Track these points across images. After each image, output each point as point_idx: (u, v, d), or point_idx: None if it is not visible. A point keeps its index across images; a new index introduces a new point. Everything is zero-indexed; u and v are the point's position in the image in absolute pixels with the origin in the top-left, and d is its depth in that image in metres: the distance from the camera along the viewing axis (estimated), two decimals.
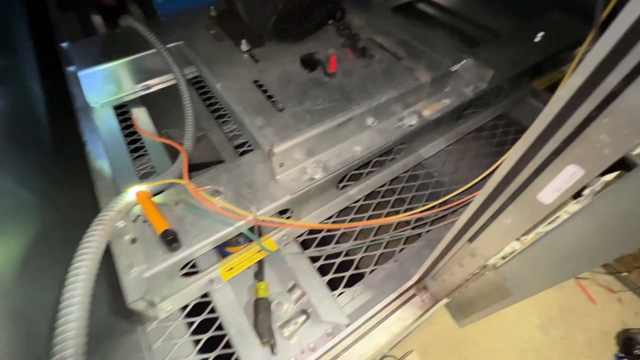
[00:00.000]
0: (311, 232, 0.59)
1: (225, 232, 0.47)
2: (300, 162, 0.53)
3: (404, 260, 0.58)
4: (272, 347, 0.50)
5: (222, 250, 0.55)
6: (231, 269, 0.52)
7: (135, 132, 0.72)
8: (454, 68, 0.63)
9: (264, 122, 0.51)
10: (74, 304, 0.35)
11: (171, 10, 0.80)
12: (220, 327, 0.50)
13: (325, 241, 0.60)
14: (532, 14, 0.80)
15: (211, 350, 0.48)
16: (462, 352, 1.37)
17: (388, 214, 0.63)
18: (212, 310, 0.51)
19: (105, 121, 0.71)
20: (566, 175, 0.25)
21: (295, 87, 0.57)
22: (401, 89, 0.57)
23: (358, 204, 0.64)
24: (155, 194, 0.49)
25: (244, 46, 0.63)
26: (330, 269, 0.56)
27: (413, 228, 0.61)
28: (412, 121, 0.59)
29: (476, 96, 0.65)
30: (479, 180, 0.59)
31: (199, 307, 0.52)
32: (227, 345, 0.48)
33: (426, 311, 0.54)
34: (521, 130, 0.78)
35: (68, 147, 0.59)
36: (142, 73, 0.76)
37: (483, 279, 0.42)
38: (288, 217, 0.55)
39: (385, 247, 0.60)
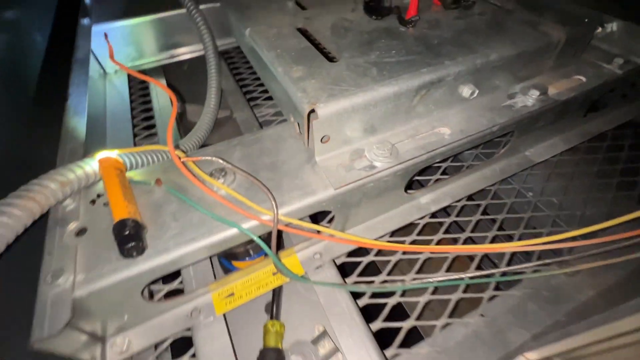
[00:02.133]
0: (356, 252, 0.39)
1: (224, 236, 0.28)
2: (355, 141, 0.34)
3: (496, 316, 0.35)
4: None
5: (225, 263, 0.36)
6: (231, 295, 0.33)
7: (147, 109, 0.58)
8: (601, 30, 0.42)
9: (306, 72, 0.33)
10: None
11: None
12: None
13: (375, 269, 0.39)
14: None
15: None
16: None
17: (468, 241, 0.42)
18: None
19: (117, 87, 0.59)
20: None
21: (355, 37, 0.39)
22: (521, 45, 0.36)
23: (424, 221, 0.43)
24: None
25: None
26: (379, 313, 0.35)
27: (509, 265, 0.39)
28: (529, 100, 0.38)
29: (626, 75, 0.42)
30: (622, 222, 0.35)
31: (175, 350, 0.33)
32: None
33: None
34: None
35: (52, 101, 0.46)
36: (167, 37, 0.64)
37: None
38: (327, 224, 0.36)
39: (465, 291, 0.38)
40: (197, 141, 0.41)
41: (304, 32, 0.40)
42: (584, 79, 0.41)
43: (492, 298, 0.38)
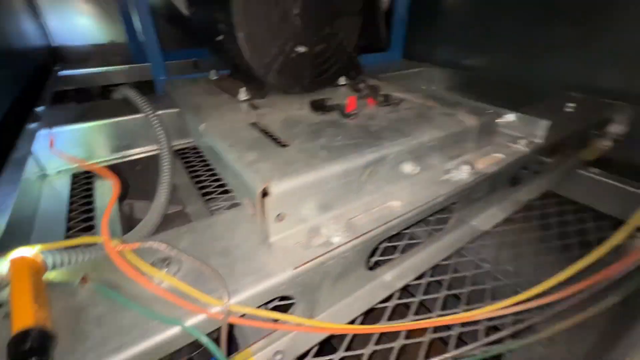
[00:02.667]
0: (324, 349, 0.34)
1: (161, 339, 0.23)
2: (310, 218, 0.33)
3: None
4: None
5: None
6: None
7: (89, 210, 0.55)
8: (501, 119, 0.51)
9: (259, 156, 0.34)
10: None
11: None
12: None
13: None
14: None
15: None
16: None
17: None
18: None
19: (55, 189, 0.55)
20: None
21: (304, 127, 0.43)
22: (445, 130, 0.43)
23: (392, 304, 0.40)
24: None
25: (243, 95, 0.53)
26: None
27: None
28: (463, 174, 0.43)
29: (532, 151, 0.50)
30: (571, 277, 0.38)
31: None
32: None
33: None
34: (580, 210, 0.61)
35: None
36: (121, 139, 0.65)
37: None
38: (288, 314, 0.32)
39: None
40: (141, 235, 0.38)
41: (256, 126, 0.43)
42: (502, 155, 0.48)
43: None
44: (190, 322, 0.24)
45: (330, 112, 0.47)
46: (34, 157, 0.53)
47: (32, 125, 0.59)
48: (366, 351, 0.35)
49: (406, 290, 0.44)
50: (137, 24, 0.77)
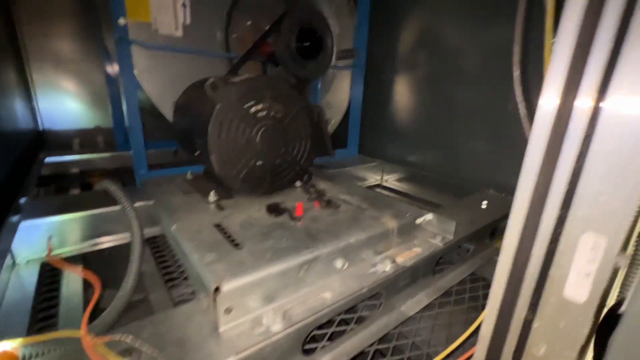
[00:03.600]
0: None
1: None
2: (254, 310, 0.41)
3: None
4: None
5: None
6: None
7: (53, 297, 0.59)
8: (420, 220, 0.65)
9: (216, 258, 0.44)
10: None
11: (150, 177, 0.86)
12: None
13: None
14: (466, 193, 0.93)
15: None
16: None
17: None
18: None
19: (23, 279, 0.59)
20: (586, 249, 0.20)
21: (258, 230, 0.53)
22: (369, 232, 0.55)
23: None
24: None
25: (212, 197, 0.64)
26: None
27: None
28: (386, 267, 0.53)
29: (446, 246, 0.63)
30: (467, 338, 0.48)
31: None
32: None
33: None
34: (487, 286, 0.72)
35: None
36: (94, 229, 0.71)
37: None
38: None
39: None
40: (107, 324, 0.43)
41: (219, 227, 0.53)
42: (420, 250, 0.60)
43: None
44: None
45: (282, 214, 0.59)
46: (9, 250, 0.59)
47: (14, 218, 0.66)
48: None
49: None
50: (125, 114, 0.89)
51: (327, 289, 0.47)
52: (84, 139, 1.37)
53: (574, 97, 0.20)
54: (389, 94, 1.25)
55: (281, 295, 0.44)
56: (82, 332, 0.33)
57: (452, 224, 0.65)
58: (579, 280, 0.21)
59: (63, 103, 1.34)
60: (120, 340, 0.34)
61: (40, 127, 1.31)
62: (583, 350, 0.22)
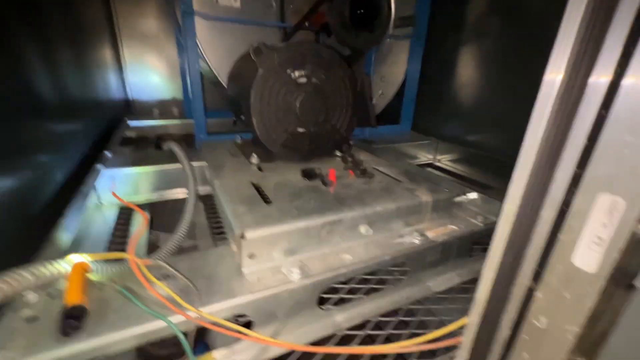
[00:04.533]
0: None
1: (150, 328, 0.35)
2: (275, 260, 0.45)
3: None
4: None
5: None
6: None
7: (124, 235, 0.70)
8: (460, 198, 0.61)
9: (247, 210, 0.48)
10: None
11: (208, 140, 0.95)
12: None
13: None
14: None
15: None
16: None
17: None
18: None
19: (105, 217, 0.72)
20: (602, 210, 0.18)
21: (290, 190, 0.56)
22: (399, 202, 0.54)
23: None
24: None
25: (254, 159, 0.68)
26: None
27: None
28: (415, 240, 0.52)
29: (486, 227, 0.59)
30: None
31: None
32: None
33: None
34: None
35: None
36: (160, 182, 0.82)
37: None
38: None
39: None
40: (157, 258, 0.51)
41: (255, 186, 0.57)
42: (456, 228, 0.57)
43: None
44: (173, 319, 0.36)
45: (315, 178, 0.60)
46: (95, 191, 0.71)
47: (99, 165, 0.79)
48: None
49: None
50: (188, 84, 0.99)
51: (348, 251, 0.48)
52: (162, 108, 1.55)
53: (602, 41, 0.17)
54: (451, 67, 1.15)
55: (302, 251, 0.46)
56: (130, 254, 0.39)
57: (497, 204, 0.59)
58: (591, 247, 0.19)
59: (147, 76, 1.52)
60: (159, 265, 0.40)
61: (130, 97, 1.51)
62: (587, 325, 0.19)
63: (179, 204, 0.81)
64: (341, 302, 0.52)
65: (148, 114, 1.51)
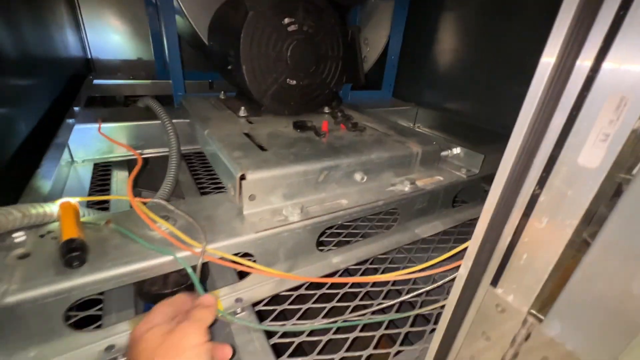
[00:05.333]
0: (272, 301, 0.44)
1: (155, 262, 0.34)
2: (275, 202, 0.45)
3: None
4: None
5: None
6: None
7: (104, 191, 0.66)
8: (446, 152, 0.64)
9: (243, 154, 0.47)
10: None
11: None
12: None
13: (290, 316, 0.43)
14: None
15: None
16: None
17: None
18: None
19: (80, 174, 0.67)
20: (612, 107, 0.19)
21: (283, 140, 0.55)
22: (391, 152, 0.55)
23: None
24: None
25: (242, 112, 0.66)
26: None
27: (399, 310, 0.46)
28: (405, 187, 0.54)
29: (469, 179, 0.62)
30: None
31: None
32: None
33: None
34: None
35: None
36: (137, 139, 0.77)
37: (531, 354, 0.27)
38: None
39: (375, 347, 0.43)
40: (159, 197, 0.49)
41: (247, 135, 0.56)
42: (442, 178, 0.60)
43: (397, 354, 0.43)
44: (177, 254, 0.35)
45: (307, 131, 0.60)
46: (67, 147, 0.66)
47: (70, 121, 0.73)
48: (304, 306, 0.44)
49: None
50: (164, 44, 0.93)
51: (344, 197, 0.50)
52: (127, 68, 1.45)
53: None
54: (433, 33, 1.15)
55: (300, 195, 0.47)
56: (128, 194, 0.38)
57: (480, 157, 0.63)
58: (596, 144, 0.21)
59: (108, 35, 1.41)
60: (159, 203, 0.39)
61: (89, 56, 1.39)
62: (585, 219, 0.22)
63: (159, 160, 0.78)
64: (337, 245, 0.54)
65: (111, 73, 1.40)
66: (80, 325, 0.36)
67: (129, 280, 0.33)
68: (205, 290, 0.41)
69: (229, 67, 0.64)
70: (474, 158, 0.65)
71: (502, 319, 0.27)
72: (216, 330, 0.38)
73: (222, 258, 0.37)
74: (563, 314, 0.24)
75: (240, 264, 0.38)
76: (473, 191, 0.74)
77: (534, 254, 0.25)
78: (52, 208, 0.37)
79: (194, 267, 0.35)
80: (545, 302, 0.25)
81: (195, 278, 0.34)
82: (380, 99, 1.28)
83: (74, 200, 0.38)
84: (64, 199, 0.38)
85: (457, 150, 0.67)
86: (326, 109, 0.74)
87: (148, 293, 0.39)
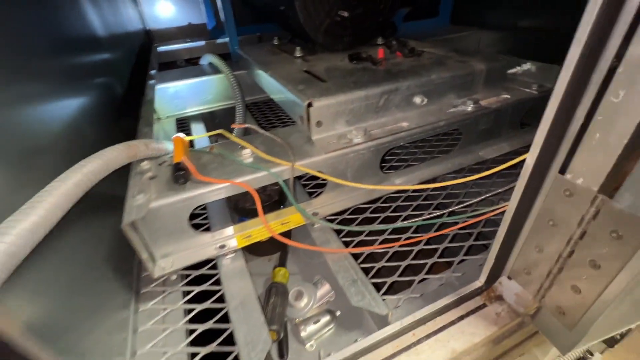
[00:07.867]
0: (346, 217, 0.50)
1: (250, 177, 0.41)
2: (340, 128, 0.49)
3: (465, 272, 0.44)
4: (282, 347, 0.37)
5: (244, 220, 0.48)
6: (248, 236, 0.44)
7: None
8: (514, 70, 0.60)
9: (305, 87, 0.50)
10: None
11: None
12: (221, 300, 0.39)
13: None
14: None
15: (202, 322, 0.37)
16: None
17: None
18: (217, 283, 0.41)
19: (166, 129, 0.78)
20: None
21: (341, 72, 0.57)
22: (453, 72, 0.54)
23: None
24: None
25: (298, 52, 0.68)
26: (369, 271, 0.44)
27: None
28: (468, 107, 0.53)
29: (541, 95, 0.58)
30: None
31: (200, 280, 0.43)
32: (224, 319, 0.37)
33: (506, 331, 0.37)
34: None
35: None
36: (206, 94, 0.85)
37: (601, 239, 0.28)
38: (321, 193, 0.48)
39: (440, 256, 0.47)
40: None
41: (306, 71, 0.59)
42: (509, 96, 0.57)
43: (461, 262, 0.47)
44: (271, 170, 0.42)
45: (364, 61, 0.61)
46: (158, 111, 0.76)
47: (151, 82, 0.83)
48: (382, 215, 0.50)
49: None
50: (219, 5, 0.97)
51: (405, 119, 0.51)
52: (180, 34, 1.56)
53: None
54: None
55: (363, 120, 0.50)
56: (222, 130, 0.45)
57: (554, 68, 0.58)
58: None
59: (160, 3, 1.50)
60: (252, 129, 0.45)
61: (147, 27, 1.51)
62: None
63: (225, 113, 0.86)
64: (399, 167, 0.57)
65: (169, 39, 1.51)
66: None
67: (226, 193, 0.41)
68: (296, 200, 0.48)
69: (282, 8, 0.66)
70: (548, 71, 0.60)
71: (570, 202, 0.28)
72: (302, 230, 0.46)
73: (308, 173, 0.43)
74: (636, 186, 0.24)
75: (328, 177, 0.44)
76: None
77: (607, 131, 0.25)
78: (167, 144, 0.46)
79: (285, 181, 0.42)
80: (617, 178, 0.25)
81: (286, 188, 0.41)
82: (436, 27, 1.18)
83: (183, 135, 0.47)
84: (176, 135, 0.47)
85: (527, 66, 0.62)
86: (380, 40, 0.73)
87: (243, 208, 0.47)
